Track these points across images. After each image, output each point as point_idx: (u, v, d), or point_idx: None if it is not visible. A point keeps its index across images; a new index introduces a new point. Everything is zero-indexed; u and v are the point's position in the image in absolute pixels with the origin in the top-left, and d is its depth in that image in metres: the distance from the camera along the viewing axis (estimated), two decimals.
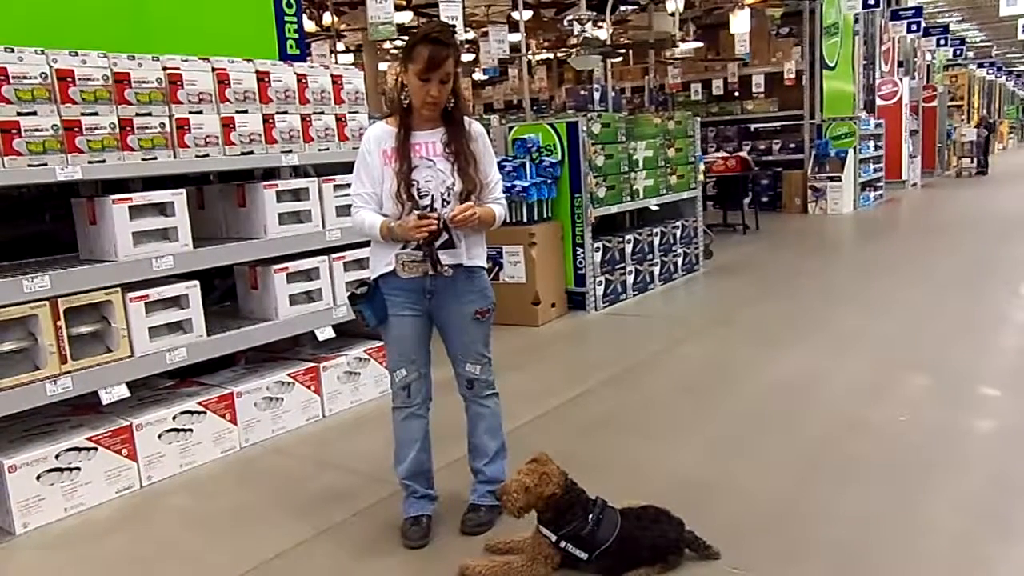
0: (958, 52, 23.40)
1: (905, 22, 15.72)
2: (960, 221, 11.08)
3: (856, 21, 13.65)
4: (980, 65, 30.51)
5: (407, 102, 2.68)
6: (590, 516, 2.49)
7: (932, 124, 17.98)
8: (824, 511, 2.89)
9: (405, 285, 2.72)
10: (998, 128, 31.06)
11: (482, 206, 2.71)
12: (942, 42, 19.95)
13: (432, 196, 2.67)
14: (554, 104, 14.01)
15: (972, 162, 19.49)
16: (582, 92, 7.82)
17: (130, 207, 3.38)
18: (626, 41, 12.85)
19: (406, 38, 2.95)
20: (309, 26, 12.09)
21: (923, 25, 16.28)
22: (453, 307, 2.76)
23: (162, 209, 3.52)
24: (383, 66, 14.89)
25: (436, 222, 2.57)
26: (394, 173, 2.66)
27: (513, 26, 11.09)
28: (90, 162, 3.26)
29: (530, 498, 2.47)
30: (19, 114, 3.05)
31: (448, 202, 2.68)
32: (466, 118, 2.78)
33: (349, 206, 2.82)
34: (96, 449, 3.28)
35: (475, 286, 2.78)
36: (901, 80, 15.67)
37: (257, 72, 3.88)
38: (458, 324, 2.79)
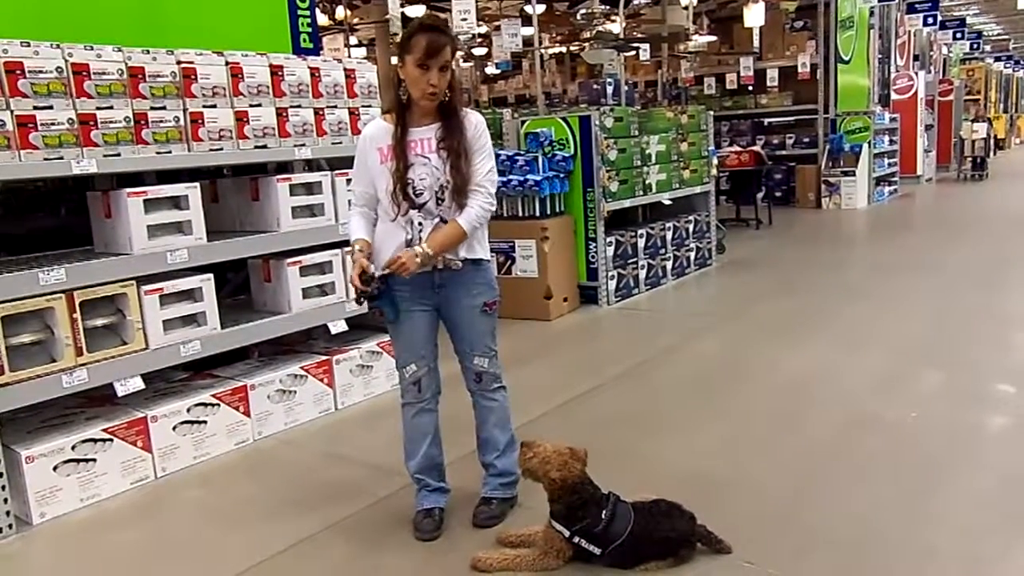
0: (975, 46, 23.18)
1: (921, 15, 15.56)
2: (975, 217, 10.98)
3: (871, 14, 13.51)
4: (997, 59, 30.19)
5: (405, 97, 2.66)
6: (603, 512, 2.49)
7: (948, 119, 17.79)
8: (836, 506, 2.89)
9: (414, 280, 2.70)
10: (1016, 123, 30.72)
11: (436, 229, 2.65)
12: (958, 35, 19.77)
13: (427, 194, 2.66)
14: (567, 98, 13.95)
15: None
16: (595, 86, 7.79)
17: (145, 200, 3.40)
18: (639, 35, 12.77)
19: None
20: (322, 20, 12.11)
21: (939, 18, 16.12)
22: (463, 300, 2.76)
23: (176, 202, 3.54)
24: (396, 59, 14.89)
25: (368, 290, 2.62)
26: (390, 172, 2.65)
27: (526, 20, 11.06)
28: (105, 156, 3.28)
29: (538, 470, 2.50)
30: (35, 108, 3.07)
31: (442, 200, 2.66)
32: (464, 109, 2.74)
33: None
34: (111, 440, 3.31)
35: (483, 278, 2.79)
36: (917, 74, 15.52)
37: (271, 66, 3.90)
38: (467, 317, 2.79)
